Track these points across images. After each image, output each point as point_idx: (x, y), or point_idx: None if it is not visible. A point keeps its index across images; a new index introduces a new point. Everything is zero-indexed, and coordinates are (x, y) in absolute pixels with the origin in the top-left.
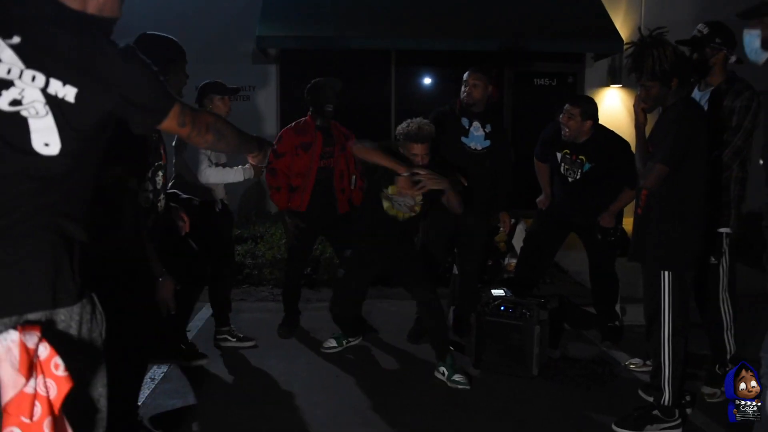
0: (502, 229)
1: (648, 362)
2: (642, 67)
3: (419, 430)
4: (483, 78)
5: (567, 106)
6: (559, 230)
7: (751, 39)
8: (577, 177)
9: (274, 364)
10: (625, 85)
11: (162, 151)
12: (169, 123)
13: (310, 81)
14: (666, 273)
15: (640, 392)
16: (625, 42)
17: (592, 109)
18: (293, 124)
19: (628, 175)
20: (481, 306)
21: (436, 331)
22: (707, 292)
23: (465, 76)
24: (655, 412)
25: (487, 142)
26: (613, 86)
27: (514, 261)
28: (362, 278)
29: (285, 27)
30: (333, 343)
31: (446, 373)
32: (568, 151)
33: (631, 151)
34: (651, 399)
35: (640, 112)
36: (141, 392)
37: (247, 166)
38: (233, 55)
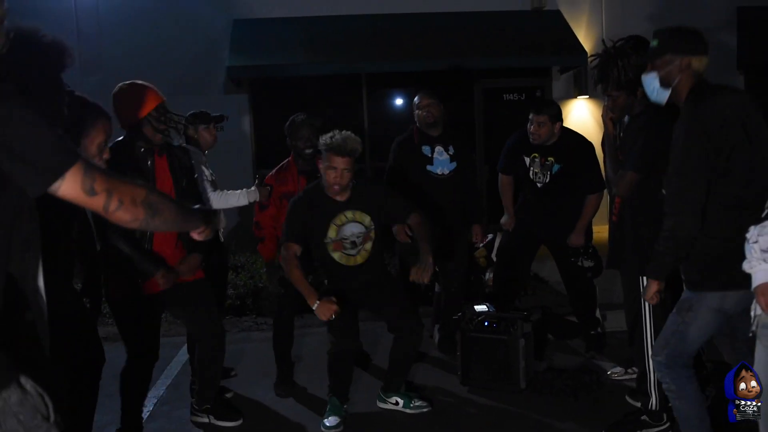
0: (475, 243)
1: (630, 369)
2: (608, 77)
3: None
4: (435, 97)
5: (532, 116)
6: (530, 241)
7: (651, 81)
8: (547, 180)
9: (262, 394)
10: (592, 96)
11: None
12: (70, 188)
13: (284, 112)
14: (645, 279)
15: (627, 398)
16: (588, 54)
17: (556, 110)
18: (274, 171)
19: (591, 177)
20: (465, 323)
21: (407, 361)
22: None
23: (416, 100)
24: (644, 417)
25: (454, 164)
26: (580, 97)
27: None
28: (348, 314)
29: (255, 56)
30: (335, 420)
31: (401, 401)
32: (536, 155)
33: (594, 153)
34: (639, 404)
35: (608, 122)
36: None
37: (252, 188)
38: (205, 85)
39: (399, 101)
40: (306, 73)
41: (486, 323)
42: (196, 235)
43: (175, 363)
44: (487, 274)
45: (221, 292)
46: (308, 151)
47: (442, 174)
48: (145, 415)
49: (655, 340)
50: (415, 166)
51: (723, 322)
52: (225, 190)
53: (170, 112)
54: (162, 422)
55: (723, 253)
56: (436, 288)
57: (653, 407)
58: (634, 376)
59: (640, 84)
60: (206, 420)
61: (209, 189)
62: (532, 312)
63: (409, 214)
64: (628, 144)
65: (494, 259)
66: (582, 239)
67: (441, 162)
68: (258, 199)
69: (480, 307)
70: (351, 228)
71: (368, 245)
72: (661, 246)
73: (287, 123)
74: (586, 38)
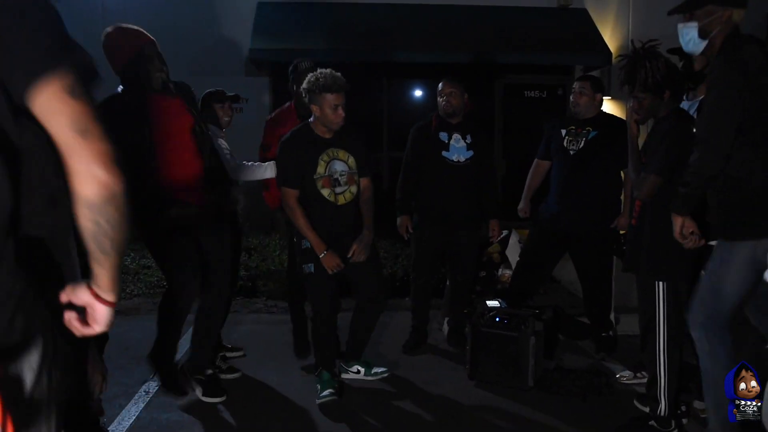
0: (491, 238)
1: (639, 374)
2: (634, 79)
3: None
4: (458, 86)
5: (576, 84)
6: (555, 246)
7: (688, 30)
8: (580, 146)
9: (268, 375)
10: (614, 97)
11: None
12: (49, 100)
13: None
14: (660, 283)
15: (636, 403)
16: (614, 55)
17: (600, 82)
18: (274, 113)
19: (623, 153)
20: (476, 317)
21: (367, 330)
22: None
23: (440, 86)
24: (652, 422)
25: (470, 153)
26: (603, 98)
27: (508, 272)
28: (334, 286)
29: (277, 40)
30: (328, 393)
31: (362, 369)
32: (573, 127)
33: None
34: (647, 409)
35: (632, 124)
36: (135, 406)
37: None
38: (226, 68)
39: (419, 92)
40: (327, 58)
41: (497, 319)
42: (100, 311)
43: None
44: (500, 270)
45: (234, 272)
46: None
47: (458, 161)
48: (154, 388)
49: (668, 346)
50: (430, 152)
51: (757, 277)
52: (252, 164)
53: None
54: (164, 398)
55: (756, 200)
56: (448, 282)
57: (662, 413)
58: (644, 380)
59: (667, 86)
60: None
61: (230, 157)
62: (544, 310)
63: (366, 174)
64: (651, 147)
65: (507, 255)
66: (627, 220)
67: (457, 149)
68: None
69: (492, 303)
70: (336, 165)
71: (353, 188)
72: (685, 181)
73: (290, 67)
74: (611, 38)
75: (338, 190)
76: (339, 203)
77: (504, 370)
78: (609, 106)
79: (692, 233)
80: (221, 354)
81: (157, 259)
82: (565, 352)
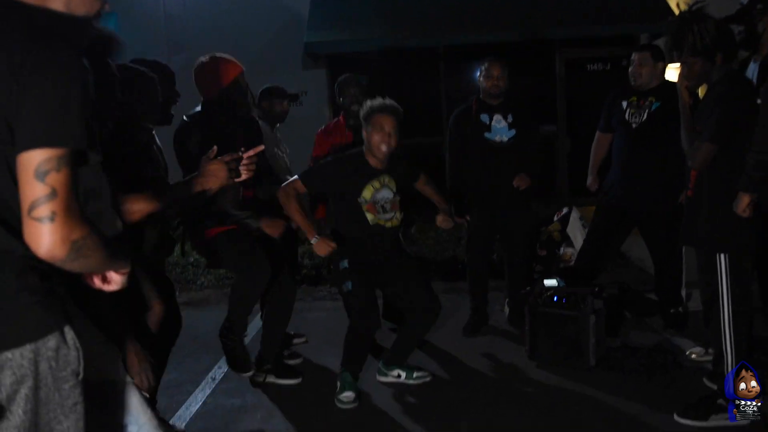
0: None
1: (710, 350)
2: (682, 43)
3: (472, 424)
4: (505, 66)
5: (634, 54)
6: (621, 223)
7: None
8: (643, 118)
9: (330, 361)
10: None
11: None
12: (20, 171)
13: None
14: (723, 256)
15: (705, 380)
16: None
17: (660, 51)
18: (323, 126)
19: None
20: (533, 297)
21: (415, 341)
22: None
23: (484, 67)
24: (720, 401)
25: (512, 132)
26: (671, 66)
27: (569, 250)
28: (369, 287)
29: (332, 31)
30: (351, 395)
31: (403, 373)
32: (635, 98)
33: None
34: (716, 387)
35: (683, 90)
36: (202, 392)
37: None
38: (284, 61)
39: (476, 74)
40: (383, 46)
41: (555, 298)
42: (114, 276)
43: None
44: (561, 249)
45: (293, 261)
46: (355, 107)
47: (501, 141)
48: (220, 375)
49: (733, 321)
50: (473, 135)
51: None
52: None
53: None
54: (229, 384)
55: None
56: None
57: None
58: None
59: (718, 49)
60: (262, 380)
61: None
62: (605, 287)
63: (418, 174)
64: (704, 114)
65: (568, 233)
66: None
67: (499, 129)
68: None
69: (549, 282)
70: (383, 193)
71: (399, 214)
72: (751, 161)
73: (336, 83)
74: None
75: (384, 216)
76: (387, 226)
77: (564, 350)
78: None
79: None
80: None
81: (224, 260)
82: (632, 330)
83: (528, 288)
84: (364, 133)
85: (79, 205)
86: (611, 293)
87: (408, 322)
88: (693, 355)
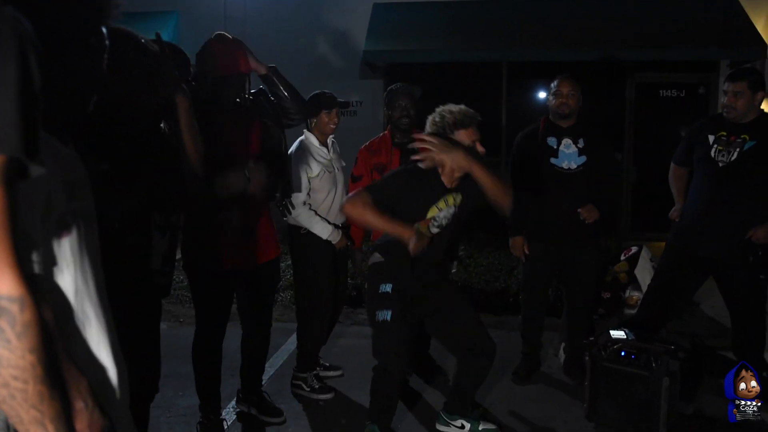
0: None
1: None
2: None
3: None
4: (577, 85)
5: (727, 84)
6: (695, 270)
7: None
8: (733, 158)
9: (358, 395)
10: None
11: None
12: None
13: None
14: None
15: None
16: None
17: (758, 77)
18: (368, 142)
19: None
20: (597, 349)
21: (475, 387)
22: None
23: (554, 85)
24: None
25: (582, 158)
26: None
27: (636, 294)
28: (409, 341)
29: (391, 41)
30: None
31: (468, 425)
32: (724, 133)
33: None
34: None
35: None
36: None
37: (337, 230)
38: (342, 70)
39: (541, 94)
40: (443, 59)
41: (623, 353)
42: None
43: (282, 351)
44: (627, 292)
45: (342, 280)
46: (404, 120)
47: (569, 168)
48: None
49: None
50: (538, 159)
51: None
52: (316, 215)
53: None
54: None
55: None
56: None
57: None
58: None
59: None
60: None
61: (304, 194)
62: (682, 345)
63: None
64: None
65: (636, 275)
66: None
67: (567, 155)
68: (335, 242)
69: (617, 333)
70: (447, 212)
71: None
72: None
73: (385, 92)
74: (766, 28)
75: (434, 230)
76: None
77: (630, 414)
78: (764, 106)
79: None
80: (314, 372)
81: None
82: (707, 395)
83: (591, 338)
84: None
85: (16, 250)
86: (684, 353)
87: (460, 367)
88: None
